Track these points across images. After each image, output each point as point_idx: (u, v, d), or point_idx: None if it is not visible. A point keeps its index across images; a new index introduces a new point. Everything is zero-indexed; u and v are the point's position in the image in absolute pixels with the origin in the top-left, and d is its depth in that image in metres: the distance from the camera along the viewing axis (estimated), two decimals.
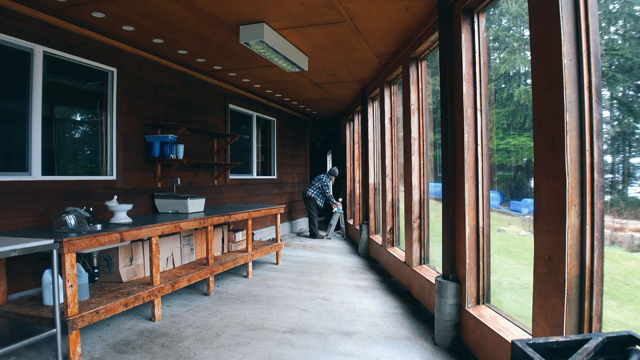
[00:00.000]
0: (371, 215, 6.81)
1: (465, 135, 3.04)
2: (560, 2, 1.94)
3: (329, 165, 12.86)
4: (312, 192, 8.61)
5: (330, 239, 8.62)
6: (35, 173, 3.60)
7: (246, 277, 5.29)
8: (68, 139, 4.24)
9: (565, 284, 1.91)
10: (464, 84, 3.05)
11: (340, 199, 9.29)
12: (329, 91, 7.33)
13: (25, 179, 3.51)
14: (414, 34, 4.16)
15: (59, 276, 2.89)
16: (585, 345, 1.33)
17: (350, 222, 9.02)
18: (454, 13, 3.18)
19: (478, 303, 3.03)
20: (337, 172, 8.85)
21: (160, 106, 5.17)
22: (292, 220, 9.48)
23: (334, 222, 8.83)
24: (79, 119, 4.45)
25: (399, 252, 5.16)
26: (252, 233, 7.10)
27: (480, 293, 3.03)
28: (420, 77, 4.38)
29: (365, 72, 5.93)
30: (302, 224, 10.11)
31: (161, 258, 4.31)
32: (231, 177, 6.83)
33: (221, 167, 6.40)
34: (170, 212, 4.77)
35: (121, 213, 3.82)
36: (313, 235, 8.70)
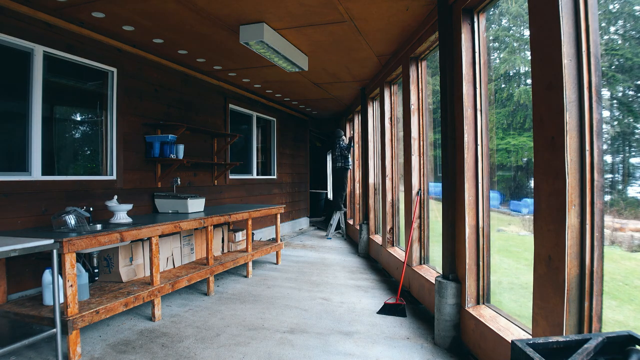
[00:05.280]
0: (371, 215, 6.81)
1: (465, 135, 3.04)
2: (560, 2, 1.94)
3: (329, 166, 12.81)
4: (342, 163, 8.62)
5: (330, 238, 8.62)
6: (35, 173, 3.60)
7: (246, 277, 5.29)
8: (68, 139, 4.24)
9: (565, 284, 1.91)
10: (464, 84, 3.05)
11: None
12: (329, 91, 7.33)
13: (25, 179, 3.51)
14: (414, 34, 4.16)
15: (59, 276, 2.89)
16: (585, 345, 1.33)
17: (350, 222, 9.02)
18: (453, 13, 3.18)
19: (478, 303, 3.03)
20: (342, 132, 8.79)
21: (160, 106, 5.17)
22: (292, 220, 9.49)
23: (334, 222, 8.83)
24: (79, 118, 4.45)
25: (399, 252, 5.16)
26: (252, 233, 7.10)
27: (480, 293, 3.03)
28: (420, 77, 4.38)
29: (365, 72, 5.93)
30: (302, 223, 10.12)
31: (161, 258, 4.31)
32: (231, 177, 6.84)
33: (221, 167, 6.40)
34: (170, 212, 4.77)
35: (121, 213, 3.82)
36: (339, 207, 8.75)
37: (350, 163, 8.71)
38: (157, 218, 4.18)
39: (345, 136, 8.91)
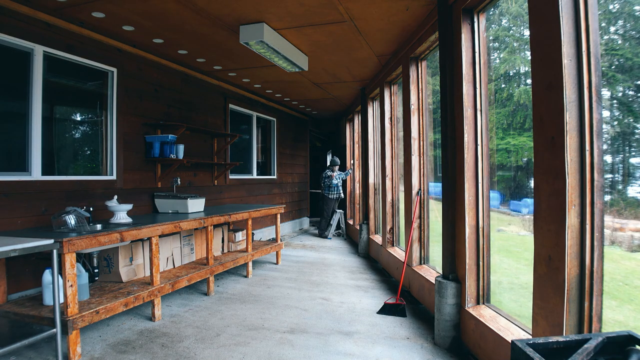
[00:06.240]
0: (371, 215, 6.81)
1: (465, 135, 3.04)
2: (560, 2, 1.94)
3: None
4: (334, 194, 8.76)
5: (330, 239, 8.62)
6: (35, 173, 3.60)
7: (246, 277, 5.29)
8: (68, 139, 4.24)
9: (565, 284, 1.91)
10: (464, 84, 3.05)
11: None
12: (329, 91, 7.33)
13: (25, 179, 3.51)
14: (414, 34, 4.16)
15: (59, 276, 2.89)
16: (585, 345, 1.33)
17: (350, 222, 9.02)
18: (453, 13, 3.18)
19: (478, 303, 3.03)
20: (338, 161, 8.85)
21: (160, 106, 5.17)
22: (292, 220, 9.49)
23: (334, 222, 8.83)
24: (79, 118, 4.45)
25: (399, 252, 5.16)
26: (252, 233, 7.10)
27: (480, 293, 3.03)
28: (420, 77, 4.38)
29: (365, 72, 5.93)
30: (303, 223, 10.11)
31: (161, 258, 4.30)
32: (231, 177, 6.84)
33: (221, 167, 6.40)
34: (170, 212, 4.77)
35: (121, 213, 3.82)
36: (325, 227, 8.88)
37: (335, 191, 8.75)
38: (157, 218, 4.18)
39: (336, 166, 8.92)
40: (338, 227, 9.36)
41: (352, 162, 9.06)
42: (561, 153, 1.94)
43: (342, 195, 8.95)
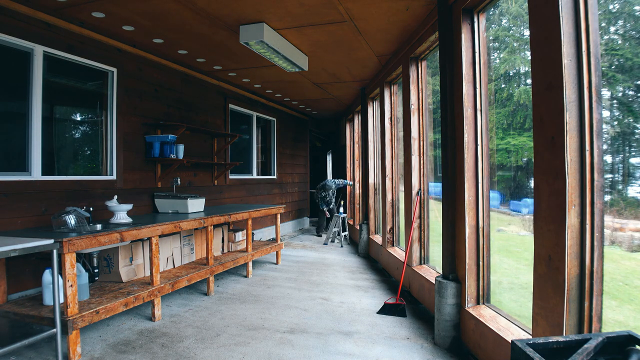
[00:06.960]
0: (371, 215, 6.81)
1: (465, 135, 3.04)
2: (560, 2, 1.94)
3: (329, 165, 12.75)
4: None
5: (333, 242, 8.58)
6: (35, 173, 3.60)
7: (246, 277, 5.29)
8: (68, 139, 4.23)
9: (565, 284, 1.91)
10: (464, 84, 3.05)
11: (342, 201, 9.24)
12: (329, 91, 7.33)
13: (26, 179, 3.51)
14: (414, 34, 4.16)
15: (59, 276, 2.89)
16: (585, 345, 1.33)
17: (351, 222, 9.01)
18: (453, 13, 3.18)
19: (478, 303, 3.03)
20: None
21: (160, 106, 5.17)
22: (292, 220, 9.48)
23: (331, 225, 8.73)
24: (79, 118, 4.45)
25: (399, 252, 5.16)
26: (252, 233, 7.10)
27: (480, 293, 3.03)
28: (420, 77, 4.38)
29: (365, 72, 5.93)
30: (303, 223, 10.11)
31: (161, 258, 4.30)
32: (231, 177, 6.84)
33: (221, 167, 6.40)
34: (170, 212, 4.77)
35: (121, 213, 3.82)
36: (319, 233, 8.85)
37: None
38: (157, 218, 4.18)
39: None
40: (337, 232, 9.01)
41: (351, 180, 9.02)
42: (561, 153, 1.94)
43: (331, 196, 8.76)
